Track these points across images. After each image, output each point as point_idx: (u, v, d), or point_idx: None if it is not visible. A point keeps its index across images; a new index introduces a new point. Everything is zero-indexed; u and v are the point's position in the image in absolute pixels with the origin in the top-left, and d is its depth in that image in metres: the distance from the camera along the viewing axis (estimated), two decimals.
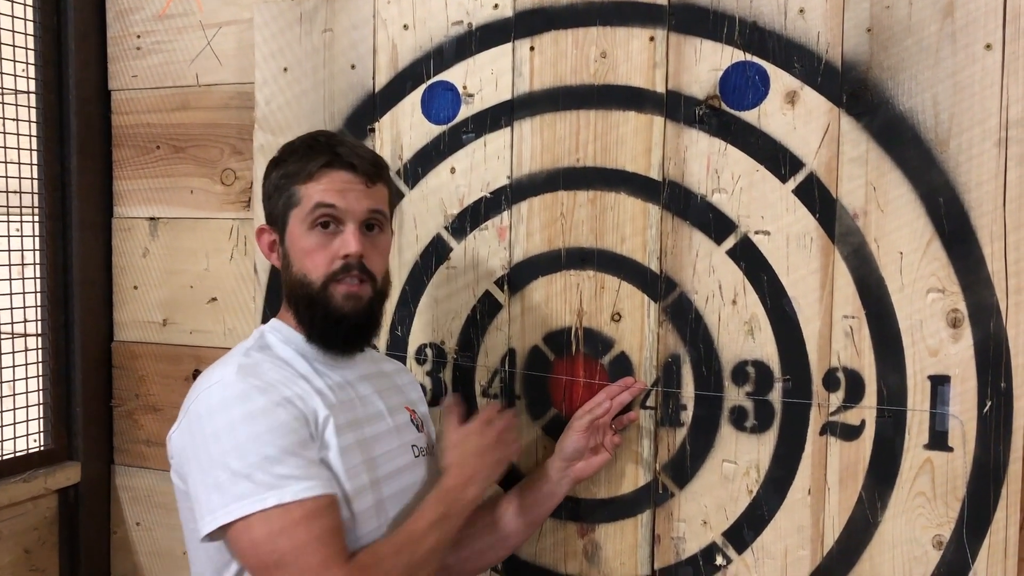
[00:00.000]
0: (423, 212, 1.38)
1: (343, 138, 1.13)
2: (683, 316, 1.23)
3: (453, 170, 1.36)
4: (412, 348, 1.40)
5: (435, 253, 1.38)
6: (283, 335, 1.10)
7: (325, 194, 1.05)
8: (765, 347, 1.19)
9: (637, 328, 1.26)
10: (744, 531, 1.21)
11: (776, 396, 1.19)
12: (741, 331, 1.20)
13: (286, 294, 1.10)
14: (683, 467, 1.24)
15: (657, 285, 1.25)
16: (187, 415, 1.01)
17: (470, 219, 1.35)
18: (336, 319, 1.06)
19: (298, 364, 1.07)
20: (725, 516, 1.22)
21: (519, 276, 1.33)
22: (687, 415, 1.24)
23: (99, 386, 1.65)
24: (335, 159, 1.06)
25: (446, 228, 1.37)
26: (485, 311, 1.35)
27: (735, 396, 1.21)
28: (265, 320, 1.47)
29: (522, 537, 1.27)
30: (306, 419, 0.99)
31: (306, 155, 1.07)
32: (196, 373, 1.60)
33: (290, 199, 1.07)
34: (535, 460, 1.33)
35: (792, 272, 1.18)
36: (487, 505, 1.30)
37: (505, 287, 1.33)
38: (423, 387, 1.35)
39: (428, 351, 1.39)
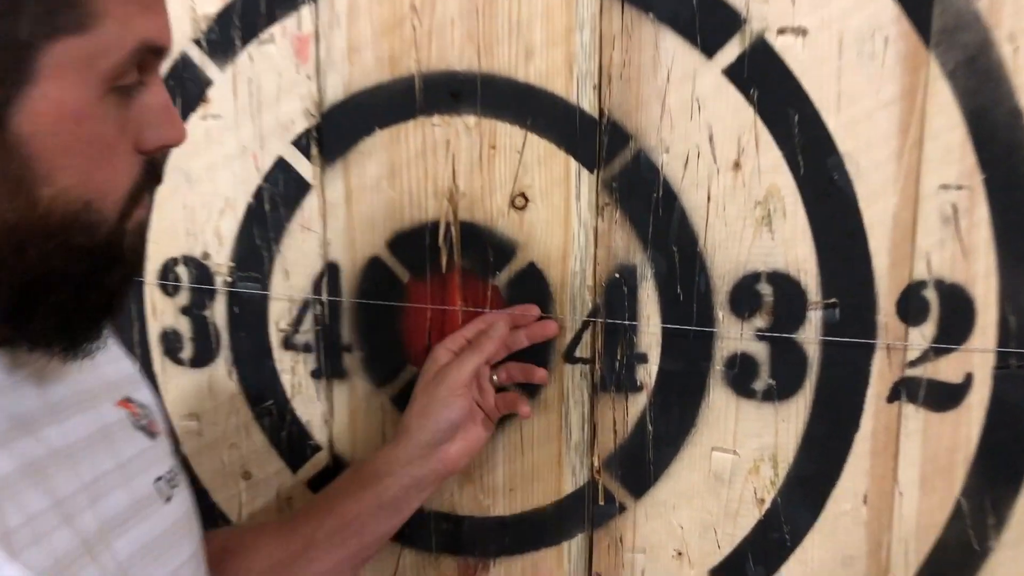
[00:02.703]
0: None
1: None
2: (643, 194, 0.67)
3: None
4: (152, 267, 0.79)
5: (180, 89, 0.75)
6: None
7: (151, 22, 0.46)
8: (793, 247, 0.65)
9: (558, 219, 0.69)
10: (749, 566, 0.70)
11: (811, 334, 0.66)
12: (749, 219, 0.66)
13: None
14: (641, 461, 0.71)
15: (594, 138, 0.68)
16: None
17: (240, 23, 0.73)
18: (131, 276, 0.51)
19: None
20: (715, 542, 0.70)
21: (338, 129, 0.73)
22: (648, 372, 0.70)
23: None
24: None
25: (197, 42, 0.74)
26: (279, 196, 0.75)
27: (735, 336, 0.67)
28: None
29: None
30: None
31: None
32: None
33: (54, 15, 0.42)
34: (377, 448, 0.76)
35: (847, 105, 0.63)
36: (266, 529, 0.74)
37: (313, 150, 0.73)
38: (173, 336, 0.76)
39: (180, 271, 0.78)
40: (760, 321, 0.66)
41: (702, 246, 0.66)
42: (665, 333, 0.68)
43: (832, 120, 0.63)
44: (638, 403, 0.70)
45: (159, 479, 0.57)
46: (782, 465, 0.68)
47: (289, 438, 0.78)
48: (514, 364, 0.70)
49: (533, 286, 0.70)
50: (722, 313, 0.67)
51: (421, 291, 0.73)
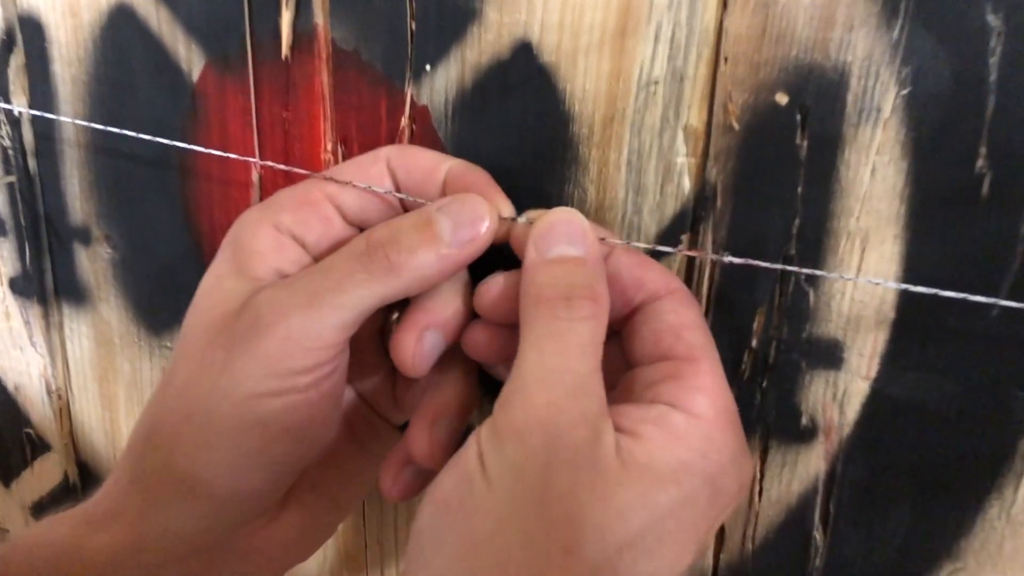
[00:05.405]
0: None
1: None
2: None
3: None
4: None
5: None
6: None
7: None
8: None
9: None
10: None
11: None
12: None
13: None
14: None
15: None
16: None
17: None
18: None
19: None
20: None
21: None
22: (841, 393, 0.24)
23: None
24: None
25: None
26: None
27: None
28: None
29: None
30: None
31: None
32: None
33: None
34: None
35: None
36: None
37: None
38: None
39: None
40: None
41: None
42: (907, 292, 0.22)
43: None
44: (800, 471, 0.25)
45: None
46: None
47: None
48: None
49: (524, 114, 0.24)
50: None
51: (234, 107, 0.27)
